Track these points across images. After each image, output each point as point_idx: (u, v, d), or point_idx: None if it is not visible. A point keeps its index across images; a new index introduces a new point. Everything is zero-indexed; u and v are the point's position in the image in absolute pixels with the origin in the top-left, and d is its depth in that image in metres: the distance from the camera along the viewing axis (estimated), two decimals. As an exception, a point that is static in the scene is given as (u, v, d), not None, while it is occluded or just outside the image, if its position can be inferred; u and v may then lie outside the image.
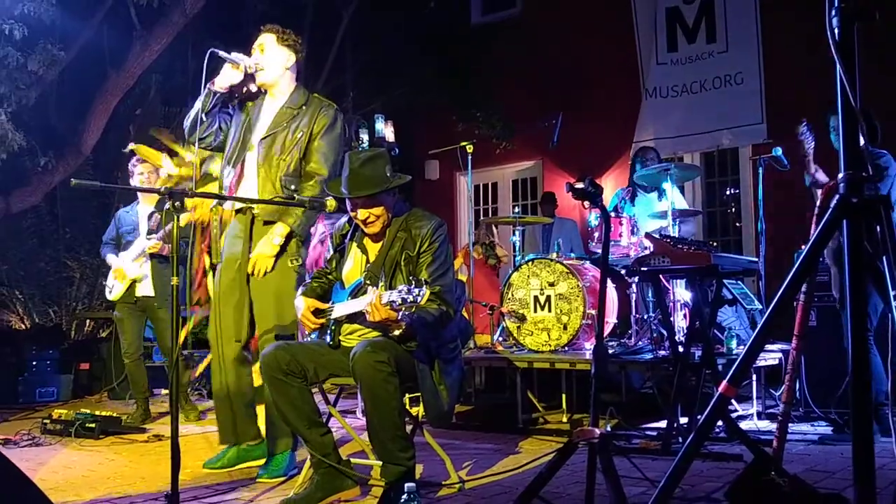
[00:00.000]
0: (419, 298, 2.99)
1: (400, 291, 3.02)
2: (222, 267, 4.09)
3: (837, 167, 1.86)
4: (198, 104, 4.02)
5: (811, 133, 4.62)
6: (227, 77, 3.99)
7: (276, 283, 3.94)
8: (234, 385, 4.04)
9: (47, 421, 5.43)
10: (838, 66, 1.85)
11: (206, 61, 3.82)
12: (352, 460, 3.53)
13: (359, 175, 3.36)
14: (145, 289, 6.08)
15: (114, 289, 6.14)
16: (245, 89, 4.13)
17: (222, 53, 3.88)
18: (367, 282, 3.41)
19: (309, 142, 4.01)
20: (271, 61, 4.05)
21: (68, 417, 5.34)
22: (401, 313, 3.11)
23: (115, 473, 4.18)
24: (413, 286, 3.00)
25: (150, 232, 6.00)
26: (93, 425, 5.20)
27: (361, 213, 3.40)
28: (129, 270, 6.04)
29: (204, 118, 4.01)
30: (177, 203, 3.00)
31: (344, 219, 3.72)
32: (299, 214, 3.91)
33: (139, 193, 6.30)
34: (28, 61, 7.31)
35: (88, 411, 5.42)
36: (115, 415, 5.51)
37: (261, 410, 4.15)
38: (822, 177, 4.63)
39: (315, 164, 3.99)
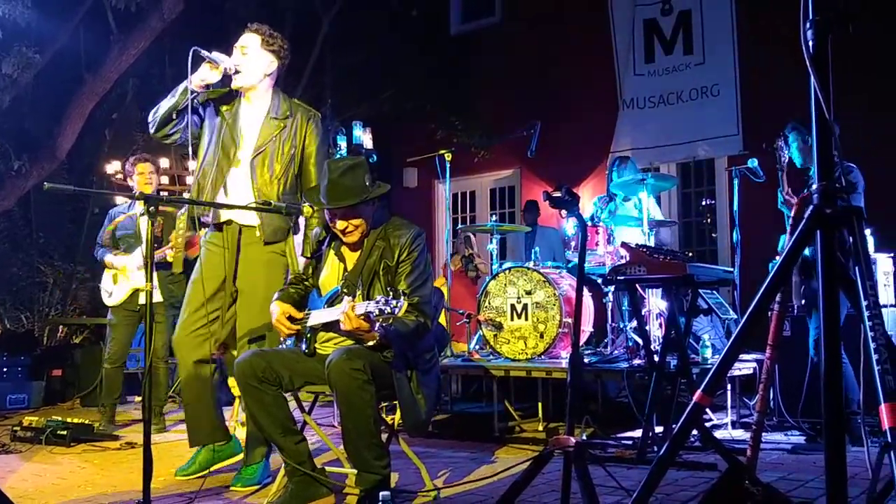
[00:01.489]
0: (397, 310, 2.97)
1: (378, 302, 3.00)
2: (203, 276, 3.95)
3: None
4: (171, 100, 3.91)
5: (787, 147, 4.65)
6: (204, 76, 3.86)
7: (265, 295, 3.83)
8: (203, 387, 3.98)
9: (17, 428, 5.34)
10: (812, 78, 1.87)
11: (190, 60, 3.73)
12: (327, 468, 3.52)
13: (338, 185, 3.34)
14: (153, 296, 5.86)
15: (114, 294, 5.93)
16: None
17: (203, 52, 3.79)
18: (344, 290, 3.39)
19: (303, 157, 3.99)
20: (252, 65, 3.91)
21: (39, 424, 5.26)
22: (377, 324, 3.10)
23: (86, 481, 4.12)
24: (391, 297, 2.98)
25: (156, 239, 5.84)
26: (64, 432, 5.13)
27: (340, 224, 3.39)
28: (135, 277, 5.82)
29: (174, 115, 3.92)
30: (151, 208, 2.99)
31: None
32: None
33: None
34: (2, 64, 7.26)
35: (60, 418, 5.34)
36: (87, 422, 5.43)
37: (230, 410, 4.12)
38: (791, 199, 4.66)
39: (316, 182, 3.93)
